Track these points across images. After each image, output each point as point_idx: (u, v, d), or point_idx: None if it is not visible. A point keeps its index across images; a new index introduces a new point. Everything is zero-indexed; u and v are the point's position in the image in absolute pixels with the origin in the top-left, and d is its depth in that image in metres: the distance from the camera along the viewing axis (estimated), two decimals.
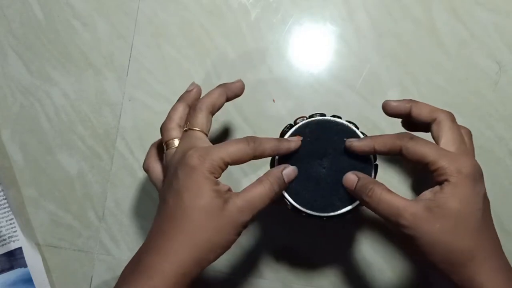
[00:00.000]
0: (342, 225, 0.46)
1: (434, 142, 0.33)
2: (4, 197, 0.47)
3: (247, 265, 0.47)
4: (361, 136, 0.36)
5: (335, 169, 0.36)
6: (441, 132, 0.33)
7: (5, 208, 0.47)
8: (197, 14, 0.49)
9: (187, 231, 0.31)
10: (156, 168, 0.38)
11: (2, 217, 0.47)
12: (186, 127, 0.36)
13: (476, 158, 0.45)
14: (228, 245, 0.32)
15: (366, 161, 0.36)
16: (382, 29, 0.47)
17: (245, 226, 0.32)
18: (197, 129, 0.35)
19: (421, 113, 0.34)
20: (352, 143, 0.35)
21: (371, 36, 0.47)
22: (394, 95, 0.46)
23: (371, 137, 0.34)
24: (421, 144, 0.32)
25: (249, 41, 0.48)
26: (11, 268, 0.46)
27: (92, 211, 0.48)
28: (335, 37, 0.48)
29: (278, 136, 0.38)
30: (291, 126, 0.37)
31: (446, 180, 0.30)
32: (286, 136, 0.36)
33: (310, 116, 0.37)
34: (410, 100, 0.35)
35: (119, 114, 0.49)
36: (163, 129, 0.37)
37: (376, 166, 0.36)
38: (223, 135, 0.48)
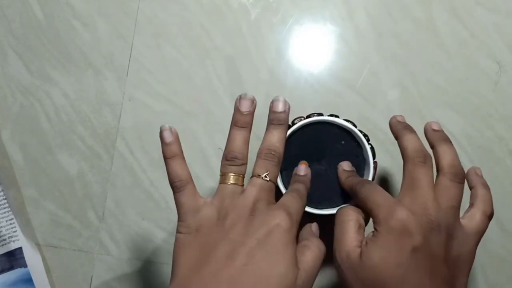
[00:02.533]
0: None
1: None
2: (4, 197, 0.47)
3: None
4: (359, 134, 0.36)
5: (334, 168, 0.36)
6: (404, 174, 0.32)
7: (5, 208, 0.47)
8: (197, 14, 0.49)
9: None
10: (194, 193, 0.33)
11: (2, 217, 0.47)
12: (262, 174, 0.32)
13: (476, 158, 0.45)
14: None
15: (364, 160, 0.36)
16: (382, 29, 0.47)
17: None
18: (274, 181, 0.33)
19: (400, 146, 0.33)
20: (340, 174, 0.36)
21: (371, 36, 0.47)
22: (394, 95, 0.46)
23: (348, 174, 0.35)
24: (371, 192, 0.31)
25: (249, 41, 0.48)
26: (11, 268, 0.46)
27: (92, 211, 0.48)
28: (335, 37, 0.48)
29: None
30: (289, 126, 0.37)
31: (375, 229, 0.30)
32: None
33: (308, 116, 0.37)
34: (403, 127, 0.34)
35: (119, 114, 0.49)
36: (230, 153, 0.33)
37: (375, 163, 0.36)
38: (224, 135, 0.48)
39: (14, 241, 0.46)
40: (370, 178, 0.35)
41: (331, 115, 0.37)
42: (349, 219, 0.32)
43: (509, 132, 0.46)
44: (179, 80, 0.49)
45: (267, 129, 0.34)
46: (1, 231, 0.46)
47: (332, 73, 0.47)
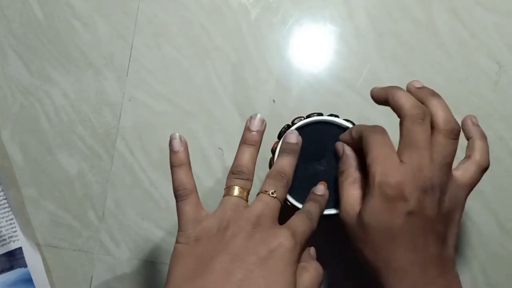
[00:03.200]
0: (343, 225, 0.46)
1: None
2: (4, 197, 0.47)
3: None
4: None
5: (334, 168, 0.36)
6: (401, 131, 0.31)
7: (5, 208, 0.47)
8: (197, 14, 0.49)
9: None
10: (197, 203, 0.33)
11: (2, 217, 0.47)
12: (270, 191, 0.32)
13: None
14: None
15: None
16: (382, 29, 0.47)
17: None
18: (281, 201, 0.32)
19: (395, 105, 0.32)
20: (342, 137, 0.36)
21: (371, 36, 0.47)
22: None
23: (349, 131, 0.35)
24: (374, 143, 0.31)
25: (249, 41, 0.48)
26: (11, 268, 0.46)
27: (92, 211, 0.48)
28: (335, 37, 0.48)
29: (276, 137, 0.38)
30: (288, 126, 0.37)
31: (370, 189, 0.30)
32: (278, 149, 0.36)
33: (308, 116, 0.37)
34: (390, 87, 0.34)
35: (119, 114, 0.49)
36: (236, 168, 0.33)
37: None
38: (224, 135, 0.48)
39: (14, 241, 0.46)
40: None
41: (331, 115, 0.37)
42: (347, 178, 0.33)
43: (509, 132, 0.46)
44: (179, 80, 0.49)
45: (279, 155, 0.35)
46: (1, 231, 0.46)
47: (332, 73, 0.47)
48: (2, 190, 0.47)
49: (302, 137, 0.36)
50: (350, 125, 0.36)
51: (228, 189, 0.33)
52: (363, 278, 0.46)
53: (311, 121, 0.36)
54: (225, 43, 0.48)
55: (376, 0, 0.48)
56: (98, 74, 0.49)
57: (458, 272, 0.31)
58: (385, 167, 0.30)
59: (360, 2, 0.48)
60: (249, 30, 0.48)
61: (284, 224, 0.31)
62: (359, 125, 0.34)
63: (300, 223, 0.31)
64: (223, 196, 0.33)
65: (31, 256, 0.47)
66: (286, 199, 0.36)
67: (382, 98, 0.34)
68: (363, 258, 0.31)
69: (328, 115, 0.37)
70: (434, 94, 0.33)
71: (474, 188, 0.46)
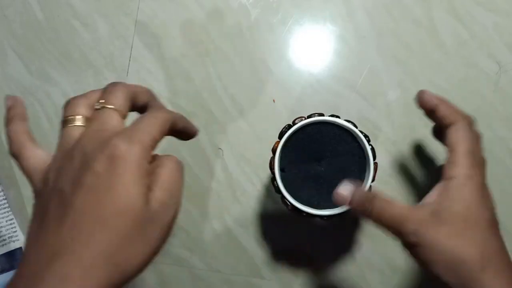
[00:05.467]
0: (343, 225, 0.46)
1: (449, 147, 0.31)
2: (4, 197, 0.47)
3: (247, 265, 0.47)
4: (360, 135, 0.36)
5: (334, 168, 0.36)
6: (458, 138, 0.31)
7: (5, 208, 0.47)
8: (197, 14, 0.49)
9: (105, 243, 0.23)
10: (35, 153, 0.28)
11: (2, 217, 0.47)
12: (98, 105, 0.27)
13: None
14: (155, 256, 0.25)
15: (364, 160, 0.36)
16: (382, 29, 0.47)
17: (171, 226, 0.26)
18: (114, 107, 0.27)
19: (443, 115, 0.32)
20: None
21: (371, 36, 0.47)
22: (394, 95, 0.46)
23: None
24: (449, 108, 0.32)
25: (249, 41, 0.48)
26: (11, 268, 0.46)
27: None
28: (335, 37, 0.48)
29: (277, 137, 0.38)
30: (289, 126, 0.37)
31: (451, 177, 0.29)
32: (286, 136, 0.36)
33: (309, 116, 0.37)
34: (441, 98, 0.33)
35: None
36: (67, 103, 0.29)
37: (376, 164, 0.36)
38: (224, 135, 0.48)
39: (14, 241, 0.46)
40: (370, 179, 0.35)
41: (332, 116, 0.37)
42: (381, 202, 0.30)
43: (509, 132, 0.46)
44: (179, 80, 0.49)
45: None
46: (1, 231, 0.46)
47: (332, 73, 0.47)
48: (2, 190, 0.47)
49: (303, 137, 0.36)
50: (351, 126, 0.36)
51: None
52: (365, 278, 0.46)
53: (312, 121, 0.36)
54: (225, 43, 0.48)
55: (376, 0, 0.48)
56: (98, 74, 0.49)
57: None
58: (473, 160, 0.30)
59: (360, 2, 0.48)
60: (249, 30, 0.48)
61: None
62: (451, 107, 0.32)
63: (142, 124, 0.26)
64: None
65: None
66: (287, 200, 0.36)
67: (429, 105, 0.33)
68: (455, 257, 0.28)
69: (329, 116, 0.37)
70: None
71: None
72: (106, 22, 0.50)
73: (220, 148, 0.48)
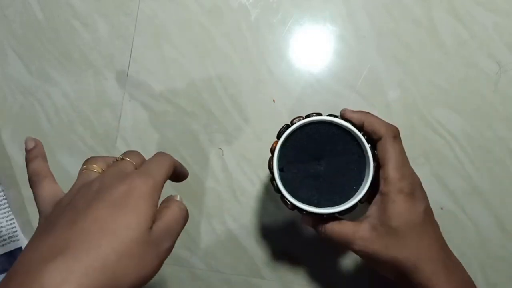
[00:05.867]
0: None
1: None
2: (4, 197, 0.47)
3: (247, 265, 0.47)
4: (358, 134, 0.36)
5: (334, 168, 0.36)
6: (386, 154, 0.35)
7: (5, 208, 0.47)
8: (197, 14, 0.49)
9: (109, 249, 0.24)
10: (52, 185, 0.32)
11: (2, 217, 0.47)
12: (118, 158, 0.32)
13: (476, 158, 0.45)
14: (145, 280, 0.27)
15: (364, 160, 0.36)
16: (382, 29, 0.47)
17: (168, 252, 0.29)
18: (133, 162, 0.31)
19: (371, 129, 0.35)
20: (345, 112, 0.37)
21: (371, 36, 0.47)
22: (394, 95, 0.46)
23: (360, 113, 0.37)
24: (393, 147, 0.35)
25: (249, 41, 0.48)
26: None
27: None
28: (335, 37, 0.48)
29: (275, 136, 0.38)
30: (287, 126, 0.37)
31: (383, 192, 0.34)
32: (284, 136, 0.36)
33: (307, 116, 0.37)
34: (365, 112, 0.36)
35: (119, 114, 0.49)
36: (86, 160, 0.33)
37: (377, 166, 0.36)
38: (224, 135, 0.48)
39: (14, 241, 0.46)
40: (370, 179, 0.35)
41: (330, 115, 0.37)
42: (331, 223, 0.36)
43: (509, 132, 0.46)
44: (179, 80, 0.49)
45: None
46: (1, 231, 0.46)
47: (332, 73, 0.47)
48: (2, 190, 0.47)
49: (301, 137, 0.36)
50: (349, 125, 0.36)
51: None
52: (365, 278, 0.46)
53: (310, 121, 0.36)
54: (225, 43, 0.48)
55: (376, 0, 0.48)
56: (98, 74, 0.49)
57: None
58: (401, 174, 0.34)
59: (360, 2, 0.48)
60: (249, 30, 0.48)
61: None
62: (372, 117, 0.36)
63: (154, 165, 0.30)
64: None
65: None
66: (286, 199, 0.36)
67: (356, 121, 0.36)
68: (395, 263, 0.33)
69: (327, 115, 0.37)
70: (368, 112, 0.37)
71: (474, 188, 0.46)
72: (106, 22, 0.50)
73: (220, 148, 0.48)
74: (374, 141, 0.36)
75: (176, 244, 0.43)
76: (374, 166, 0.36)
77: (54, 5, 0.50)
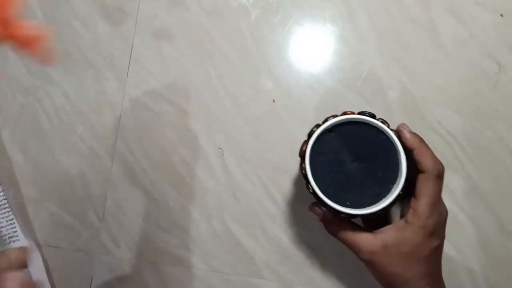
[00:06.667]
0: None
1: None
2: (5, 197, 0.47)
3: (247, 265, 0.47)
4: (394, 137, 0.35)
5: (366, 168, 0.36)
6: (424, 189, 0.35)
7: (5, 208, 0.47)
8: (197, 14, 0.49)
9: None
10: None
11: (3, 217, 0.47)
12: None
13: (476, 158, 0.45)
14: None
15: (395, 172, 0.36)
16: (382, 29, 0.47)
17: None
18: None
19: (420, 159, 0.36)
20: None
21: (371, 36, 0.47)
22: (394, 95, 0.46)
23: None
24: (435, 183, 0.35)
25: (249, 42, 0.48)
26: None
27: (92, 211, 0.48)
28: (335, 37, 0.48)
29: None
30: (318, 126, 0.36)
31: (409, 222, 0.35)
32: (315, 135, 0.36)
33: (342, 114, 0.37)
34: (420, 140, 0.36)
35: (119, 114, 0.49)
36: None
37: (408, 181, 0.35)
38: (224, 135, 0.48)
39: (14, 241, 0.46)
40: (396, 193, 0.35)
41: (362, 113, 0.36)
42: (345, 230, 0.38)
43: (509, 132, 0.46)
44: (179, 80, 0.49)
45: None
46: (1, 231, 0.46)
47: (332, 73, 0.47)
48: (3, 190, 0.47)
49: (336, 136, 0.36)
50: (385, 127, 0.35)
51: None
52: (365, 279, 0.46)
53: (343, 119, 0.36)
54: (225, 43, 0.48)
55: (376, 0, 0.48)
56: (98, 74, 0.49)
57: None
58: (431, 212, 0.35)
59: (360, 2, 0.48)
60: (249, 30, 0.48)
61: None
62: (424, 148, 0.36)
63: None
64: None
65: (32, 256, 0.47)
66: (318, 196, 0.36)
67: (408, 145, 0.36)
68: (392, 278, 0.36)
69: (359, 113, 0.36)
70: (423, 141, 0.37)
71: (474, 188, 0.46)
72: (106, 22, 0.50)
73: (220, 148, 0.48)
74: (417, 169, 0.36)
75: (176, 244, 0.43)
76: (403, 185, 0.35)
77: (54, 5, 0.50)
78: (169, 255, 0.47)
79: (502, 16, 0.46)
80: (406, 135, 0.36)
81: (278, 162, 0.47)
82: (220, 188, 0.47)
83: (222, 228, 0.47)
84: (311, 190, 0.36)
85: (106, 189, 0.48)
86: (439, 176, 0.35)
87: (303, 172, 0.36)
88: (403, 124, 0.37)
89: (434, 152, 0.37)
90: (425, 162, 0.35)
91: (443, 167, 0.36)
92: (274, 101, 0.48)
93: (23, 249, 0.34)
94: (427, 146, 0.36)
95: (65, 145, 0.49)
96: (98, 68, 0.49)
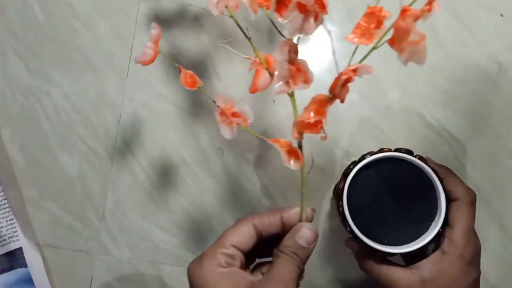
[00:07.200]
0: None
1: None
2: (5, 197, 0.47)
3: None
4: (432, 173, 0.35)
5: (405, 205, 0.36)
6: (458, 217, 0.35)
7: (5, 208, 0.47)
8: (197, 14, 0.49)
9: None
10: None
11: (3, 217, 0.47)
12: None
13: (476, 158, 0.45)
14: None
15: (435, 203, 0.36)
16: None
17: None
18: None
19: (450, 188, 0.36)
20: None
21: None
22: (394, 95, 0.46)
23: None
24: (469, 212, 0.35)
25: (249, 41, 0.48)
26: (12, 268, 0.46)
27: (92, 211, 0.48)
28: (335, 37, 0.48)
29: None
30: (355, 163, 0.36)
31: (445, 252, 0.34)
32: (352, 174, 0.36)
33: (378, 151, 0.36)
34: (447, 169, 0.36)
35: (119, 114, 0.49)
36: None
37: (446, 219, 0.35)
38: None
39: (14, 241, 0.46)
40: (435, 231, 0.35)
41: (399, 150, 0.36)
42: (379, 264, 0.37)
43: (509, 132, 0.46)
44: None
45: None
46: (1, 231, 0.46)
47: (332, 73, 0.47)
48: (2, 190, 0.47)
49: (372, 173, 0.36)
50: (423, 164, 0.35)
51: None
52: (365, 279, 0.46)
53: (380, 157, 0.36)
54: (225, 43, 0.48)
55: (376, 0, 0.48)
56: (98, 74, 0.49)
57: None
58: (467, 240, 0.34)
59: (360, 2, 0.48)
60: (249, 30, 0.48)
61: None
62: (453, 177, 0.36)
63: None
64: None
65: (32, 257, 0.47)
66: (354, 232, 0.35)
67: (440, 176, 0.36)
68: None
69: (395, 150, 0.36)
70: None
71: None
72: (106, 22, 0.50)
73: (220, 148, 0.48)
74: (449, 198, 0.36)
75: (176, 244, 0.43)
76: (442, 222, 0.35)
77: (54, 5, 0.50)
78: (169, 255, 0.47)
79: (502, 16, 0.47)
80: (433, 165, 0.36)
81: (278, 162, 0.47)
82: (220, 188, 0.47)
83: (222, 229, 0.47)
84: (348, 229, 0.36)
85: (106, 189, 0.48)
86: (472, 203, 0.35)
87: (340, 210, 0.36)
88: (427, 158, 0.37)
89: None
90: (457, 190, 0.35)
91: (475, 194, 0.36)
92: (274, 101, 0.48)
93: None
94: (455, 174, 0.36)
95: (65, 145, 0.49)
96: (98, 68, 0.49)
